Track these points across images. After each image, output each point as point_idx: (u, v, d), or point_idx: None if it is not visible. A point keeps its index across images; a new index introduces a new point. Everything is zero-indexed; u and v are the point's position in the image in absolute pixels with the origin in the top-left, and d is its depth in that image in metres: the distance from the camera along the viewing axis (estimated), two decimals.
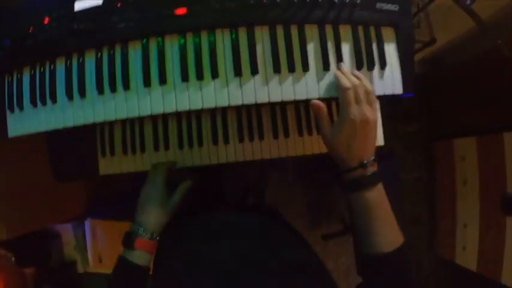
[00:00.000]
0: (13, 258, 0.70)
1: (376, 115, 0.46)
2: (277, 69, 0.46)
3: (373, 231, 0.42)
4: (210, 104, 0.45)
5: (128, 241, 0.48)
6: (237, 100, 0.45)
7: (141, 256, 0.48)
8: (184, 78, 0.45)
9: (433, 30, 0.69)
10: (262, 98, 0.45)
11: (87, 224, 0.76)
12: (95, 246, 0.76)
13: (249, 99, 0.45)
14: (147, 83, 0.46)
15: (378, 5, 0.51)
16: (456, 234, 0.79)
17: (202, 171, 0.57)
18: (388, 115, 0.63)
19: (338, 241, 0.70)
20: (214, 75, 0.45)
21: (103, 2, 0.48)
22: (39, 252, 0.72)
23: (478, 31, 0.79)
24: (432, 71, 0.78)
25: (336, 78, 0.46)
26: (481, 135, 0.74)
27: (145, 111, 0.46)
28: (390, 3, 0.52)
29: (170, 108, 0.45)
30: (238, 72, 0.45)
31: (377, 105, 0.46)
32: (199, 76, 0.45)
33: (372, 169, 0.44)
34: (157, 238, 0.49)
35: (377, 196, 0.43)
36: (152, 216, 0.49)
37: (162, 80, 0.45)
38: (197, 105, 0.45)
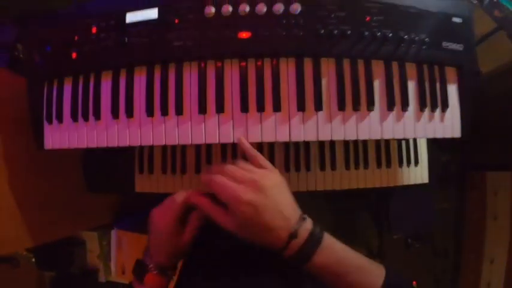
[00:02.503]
0: (33, 259, 0.67)
1: (269, 175, 0.38)
2: (342, 106, 0.43)
3: (350, 286, 0.37)
4: (270, 138, 0.42)
5: (138, 273, 0.43)
6: (298, 136, 0.42)
7: None
8: (244, 108, 0.42)
9: (477, 62, 0.67)
10: (325, 136, 0.43)
11: (114, 234, 0.73)
12: (119, 257, 0.73)
13: (311, 136, 0.42)
14: (202, 110, 0.42)
15: (445, 44, 0.49)
16: (482, 269, 0.77)
17: None
18: None
19: None
20: (276, 107, 0.42)
21: (158, 16, 0.45)
22: (61, 257, 0.69)
23: None
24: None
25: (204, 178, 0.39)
26: None
27: (199, 139, 0.42)
28: (456, 43, 0.50)
29: (226, 139, 0.42)
30: (301, 106, 0.43)
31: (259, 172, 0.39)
32: (260, 107, 0.42)
33: (305, 232, 0.36)
34: (172, 276, 0.44)
35: (328, 255, 0.36)
36: (162, 251, 0.42)
37: (219, 108, 0.42)
38: (256, 138, 0.42)
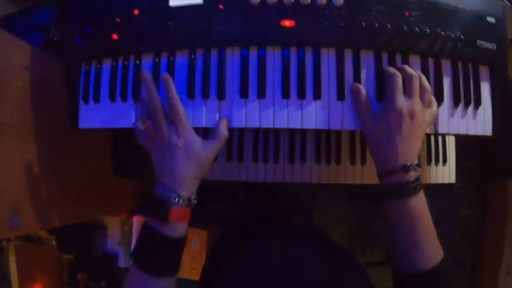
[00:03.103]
0: (54, 242, 0.67)
1: (430, 118, 0.43)
2: (379, 98, 0.44)
3: (413, 245, 0.39)
4: (309, 125, 0.43)
5: (160, 212, 0.38)
6: (337, 125, 0.43)
7: (176, 228, 0.39)
8: (285, 94, 0.43)
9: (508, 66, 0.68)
10: None
11: (136, 221, 0.73)
12: None
13: (350, 125, 0.43)
14: (244, 94, 0.43)
15: (479, 43, 0.50)
16: (498, 281, 0.77)
17: (253, 187, 0.54)
18: None
19: (379, 270, 0.68)
20: (317, 95, 0.43)
21: (204, 1, 0.45)
22: (82, 240, 0.70)
23: None
24: None
25: (385, 68, 0.43)
26: None
27: (239, 123, 0.43)
28: (489, 42, 0.51)
29: (267, 123, 0.42)
30: (341, 95, 0.43)
31: (434, 109, 0.43)
32: (301, 94, 0.43)
33: (414, 174, 0.40)
34: (195, 201, 0.40)
35: (419, 205, 0.39)
36: (187, 174, 0.39)
37: (261, 93, 0.43)
38: (296, 124, 0.43)
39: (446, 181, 0.59)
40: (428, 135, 0.59)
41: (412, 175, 0.39)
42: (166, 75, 0.42)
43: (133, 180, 0.67)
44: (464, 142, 0.56)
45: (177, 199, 0.38)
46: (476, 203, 0.81)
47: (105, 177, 0.59)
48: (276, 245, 0.45)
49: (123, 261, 0.73)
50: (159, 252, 0.39)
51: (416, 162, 0.40)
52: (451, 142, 0.61)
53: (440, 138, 0.60)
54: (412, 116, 0.40)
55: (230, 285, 0.39)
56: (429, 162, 0.58)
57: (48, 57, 0.56)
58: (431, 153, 0.59)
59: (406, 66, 0.43)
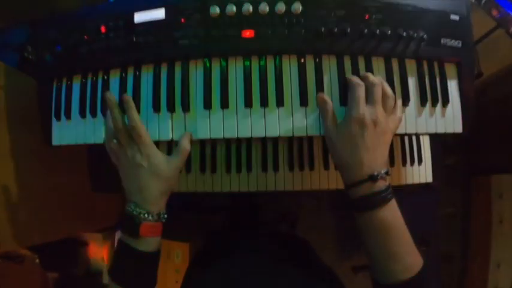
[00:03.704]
0: (37, 260, 0.68)
1: (395, 124, 0.42)
2: (343, 102, 0.44)
3: (388, 257, 0.37)
4: (273, 132, 0.43)
5: (131, 228, 0.40)
6: (301, 131, 0.43)
7: (149, 242, 0.40)
8: (248, 103, 0.43)
9: (480, 64, 0.68)
10: None
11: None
12: None
13: (314, 131, 0.43)
14: (207, 105, 0.44)
15: (443, 41, 0.50)
16: (489, 274, 0.76)
17: (236, 198, 0.54)
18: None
19: (368, 274, 0.68)
20: (280, 103, 0.43)
21: (166, 16, 0.46)
22: (65, 258, 0.70)
23: None
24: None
25: (348, 77, 0.43)
26: None
27: (204, 134, 0.44)
28: (454, 39, 0.51)
29: (231, 133, 0.43)
30: (303, 101, 0.44)
31: (398, 115, 0.42)
32: (264, 103, 0.43)
33: (383, 183, 0.38)
34: (165, 216, 0.42)
35: (391, 215, 0.38)
36: (158, 195, 0.41)
37: (224, 104, 0.44)
38: (259, 133, 0.43)
39: (423, 181, 0.59)
40: (402, 137, 0.59)
41: (380, 185, 0.38)
42: (126, 96, 0.43)
43: (113, 195, 0.67)
44: (442, 140, 0.56)
45: (146, 215, 0.40)
46: (460, 201, 0.80)
47: (84, 193, 0.60)
48: (249, 264, 0.46)
49: (107, 278, 0.73)
50: (134, 267, 0.40)
51: (385, 170, 0.39)
52: (426, 142, 0.61)
53: (414, 138, 0.60)
54: (375, 124, 0.39)
55: None
56: (404, 163, 0.58)
57: (23, 76, 0.57)
58: (406, 154, 0.59)
59: (369, 74, 0.42)
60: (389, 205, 0.38)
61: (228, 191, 0.53)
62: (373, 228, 0.38)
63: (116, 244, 0.78)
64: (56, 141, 0.50)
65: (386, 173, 0.39)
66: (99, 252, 0.74)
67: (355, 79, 0.42)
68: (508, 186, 0.79)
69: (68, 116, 0.49)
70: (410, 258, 0.38)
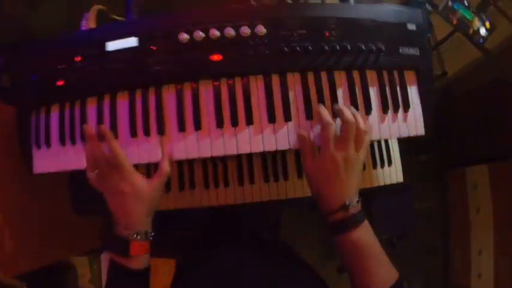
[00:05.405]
0: None
1: (365, 153, 0.45)
2: (309, 116, 0.47)
3: (364, 271, 0.42)
4: (245, 150, 0.46)
5: (122, 248, 0.43)
6: (271, 146, 0.46)
7: (139, 260, 0.44)
8: (219, 124, 0.46)
9: (444, 63, 0.72)
10: (296, 144, 0.46)
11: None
12: None
13: (283, 145, 0.46)
14: (181, 128, 0.46)
15: (401, 50, 0.53)
16: (471, 262, 0.80)
17: (217, 211, 0.57)
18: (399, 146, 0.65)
19: None
20: (249, 121, 0.46)
21: (138, 44, 0.48)
22: (53, 284, 0.71)
23: (485, 60, 0.83)
24: (442, 101, 0.81)
25: (320, 113, 0.45)
26: (492, 162, 0.76)
27: (181, 155, 0.46)
28: (412, 47, 0.54)
29: (206, 153, 0.46)
30: (272, 118, 0.46)
31: (367, 142, 0.45)
32: (234, 122, 0.46)
33: (355, 209, 0.42)
34: (152, 234, 0.45)
35: (364, 234, 0.42)
36: (144, 215, 0.44)
37: (197, 125, 0.46)
38: (232, 151, 0.46)
39: (394, 181, 0.62)
40: (371, 141, 0.62)
41: (353, 210, 0.42)
42: (102, 128, 0.45)
43: (95, 217, 0.68)
44: (412, 140, 0.59)
45: (134, 235, 0.43)
46: (435, 195, 0.84)
47: (66, 217, 0.60)
48: (229, 261, 0.49)
49: None
50: (127, 285, 0.44)
51: (356, 198, 0.43)
52: (394, 144, 0.64)
53: (383, 141, 0.63)
54: (346, 161, 0.42)
55: None
56: (375, 166, 0.61)
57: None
58: (376, 157, 0.62)
59: (345, 111, 0.44)
60: (361, 226, 0.42)
61: (207, 206, 0.56)
62: (348, 247, 0.42)
63: (102, 266, 0.80)
64: (38, 169, 0.51)
65: (358, 202, 0.43)
66: (86, 275, 0.75)
67: (326, 117, 0.44)
68: (481, 177, 0.83)
69: (49, 144, 0.51)
70: (384, 272, 0.42)
